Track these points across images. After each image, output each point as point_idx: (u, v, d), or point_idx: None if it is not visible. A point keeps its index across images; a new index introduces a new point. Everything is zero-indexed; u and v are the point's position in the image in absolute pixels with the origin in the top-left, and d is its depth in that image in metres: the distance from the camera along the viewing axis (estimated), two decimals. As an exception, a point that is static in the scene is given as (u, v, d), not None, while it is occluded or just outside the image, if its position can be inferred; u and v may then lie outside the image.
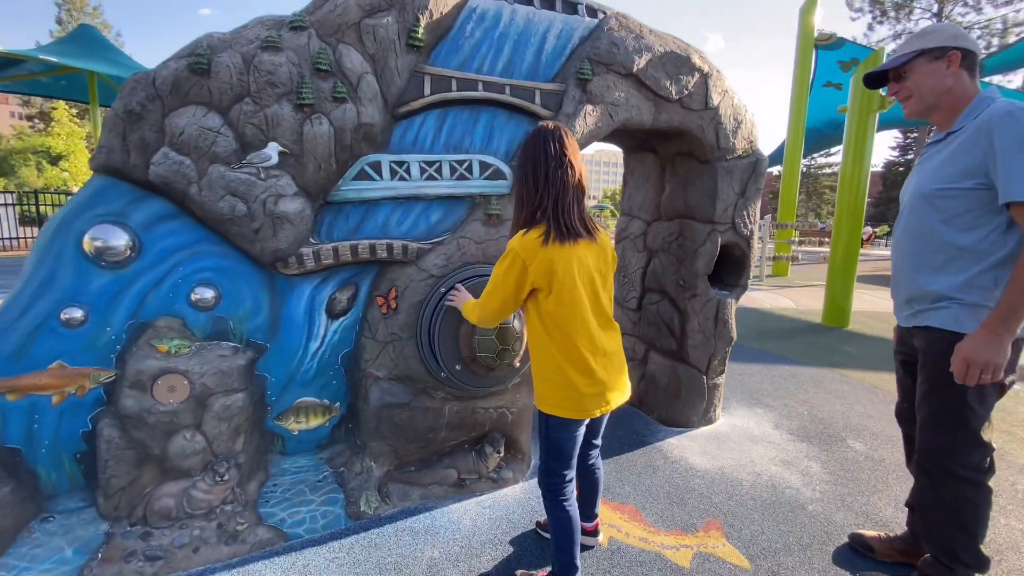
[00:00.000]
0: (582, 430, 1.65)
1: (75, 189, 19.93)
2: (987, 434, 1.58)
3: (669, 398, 3.14)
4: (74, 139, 25.55)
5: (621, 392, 1.66)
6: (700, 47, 2.92)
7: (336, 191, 2.10)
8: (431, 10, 2.12)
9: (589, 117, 2.40)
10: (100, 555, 1.77)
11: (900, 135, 32.04)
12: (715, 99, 2.73)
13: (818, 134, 14.21)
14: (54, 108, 25.65)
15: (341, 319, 2.27)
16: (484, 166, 2.29)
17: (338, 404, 2.36)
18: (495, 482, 2.40)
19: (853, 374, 4.35)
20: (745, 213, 2.95)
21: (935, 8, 23.96)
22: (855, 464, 2.74)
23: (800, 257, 11.88)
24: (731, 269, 3.08)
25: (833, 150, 24.81)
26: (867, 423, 3.30)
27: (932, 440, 1.65)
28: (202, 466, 1.99)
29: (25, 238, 12.32)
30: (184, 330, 2.02)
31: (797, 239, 14.10)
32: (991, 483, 1.61)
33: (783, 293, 8.85)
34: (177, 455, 1.94)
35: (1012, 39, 21.25)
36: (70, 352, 1.88)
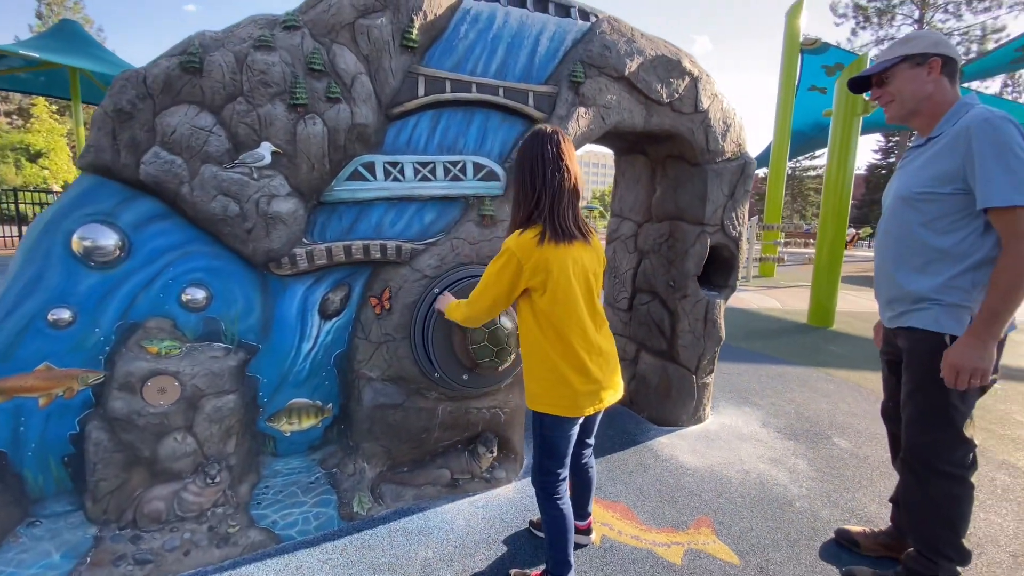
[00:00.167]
0: (576, 429, 1.67)
1: (56, 187, 19.51)
2: (969, 431, 1.63)
3: (660, 397, 3.17)
4: (54, 136, 25.01)
5: (614, 391, 1.68)
6: (688, 49, 2.96)
7: (329, 191, 2.09)
8: (425, 11, 2.12)
9: (582, 119, 2.42)
10: (89, 559, 1.75)
11: (882, 139, 32.63)
12: (705, 102, 2.76)
13: (803, 137, 14.44)
14: (34, 104, 25.09)
15: (334, 320, 2.26)
16: (478, 167, 2.30)
17: (331, 405, 2.35)
18: (488, 482, 2.41)
19: (838, 373, 4.43)
20: (734, 215, 3.00)
21: (916, 14, 24.49)
22: (840, 461, 2.80)
23: (786, 258, 12.06)
24: (720, 270, 3.12)
25: (817, 153, 25.21)
26: (852, 421, 3.37)
27: (917, 438, 1.69)
28: (193, 468, 1.98)
29: (4, 237, 12.04)
30: (175, 331, 2.00)
31: (783, 240, 14.30)
32: (973, 479, 1.66)
33: (769, 294, 8.98)
34: (167, 457, 1.92)
35: (990, 46, 21.80)
36: (57, 353, 1.86)
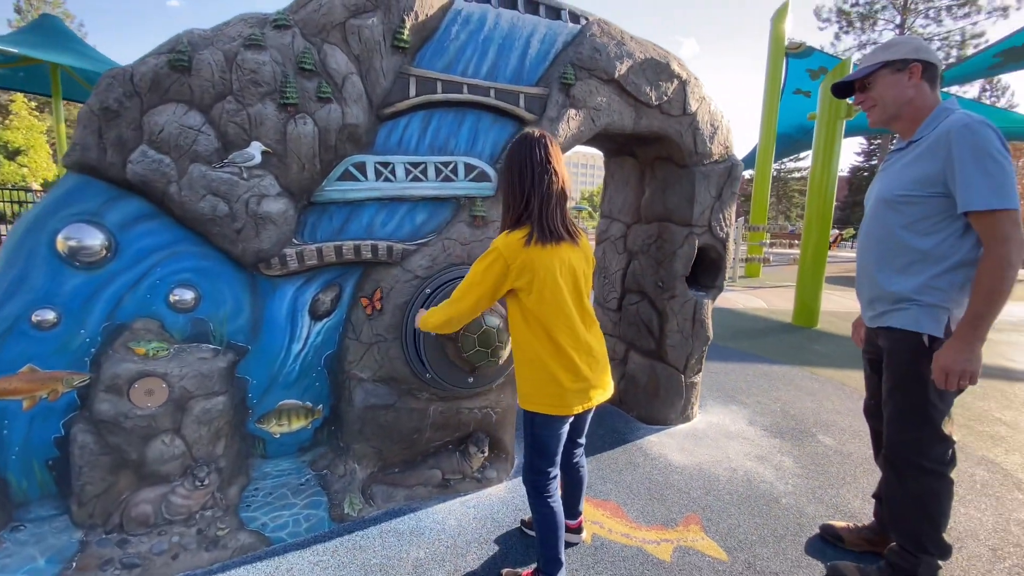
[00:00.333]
0: (566, 427, 1.68)
1: (35, 185, 19.08)
2: (948, 428, 1.67)
3: (648, 397, 3.20)
4: (34, 133, 24.44)
5: (604, 390, 1.69)
6: (675, 52, 3.00)
7: (320, 191, 2.08)
8: (416, 12, 2.12)
9: (572, 121, 2.44)
10: (75, 564, 1.72)
11: (865, 142, 33.24)
12: (693, 105, 2.80)
13: (788, 139, 14.64)
14: (12, 101, 24.50)
15: (324, 320, 2.25)
16: (469, 168, 2.30)
17: (321, 406, 2.34)
18: (479, 482, 2.41)
19: (822, 371, 4.51)
20: (721, 216, 3.04)
21: (898, 20, 24.98)
22: (825, 458, 2.85)
23: (771, 259, 12.22)
24: (708, 271, 3.16)
25: (802, 155, 25.60)
26: (836, 419, 3.43)
27: (898, 435, 1.74)
28: (181, 471, 1.95)
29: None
30: (162, 332, 1.98)
31: (768, 241, 14.49)
32: (952, 475, 1.70)
33: (755, 294, 9.09)
34: (155, 460, 1.90)
35: (970, 51, 22.31)
36: (42, 355, 1.83)
